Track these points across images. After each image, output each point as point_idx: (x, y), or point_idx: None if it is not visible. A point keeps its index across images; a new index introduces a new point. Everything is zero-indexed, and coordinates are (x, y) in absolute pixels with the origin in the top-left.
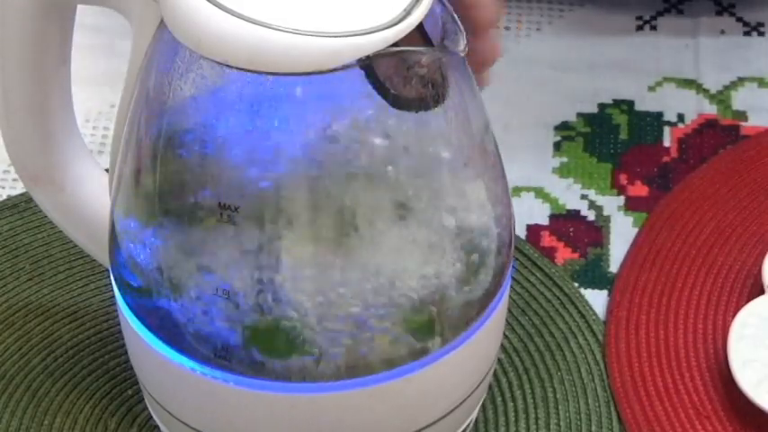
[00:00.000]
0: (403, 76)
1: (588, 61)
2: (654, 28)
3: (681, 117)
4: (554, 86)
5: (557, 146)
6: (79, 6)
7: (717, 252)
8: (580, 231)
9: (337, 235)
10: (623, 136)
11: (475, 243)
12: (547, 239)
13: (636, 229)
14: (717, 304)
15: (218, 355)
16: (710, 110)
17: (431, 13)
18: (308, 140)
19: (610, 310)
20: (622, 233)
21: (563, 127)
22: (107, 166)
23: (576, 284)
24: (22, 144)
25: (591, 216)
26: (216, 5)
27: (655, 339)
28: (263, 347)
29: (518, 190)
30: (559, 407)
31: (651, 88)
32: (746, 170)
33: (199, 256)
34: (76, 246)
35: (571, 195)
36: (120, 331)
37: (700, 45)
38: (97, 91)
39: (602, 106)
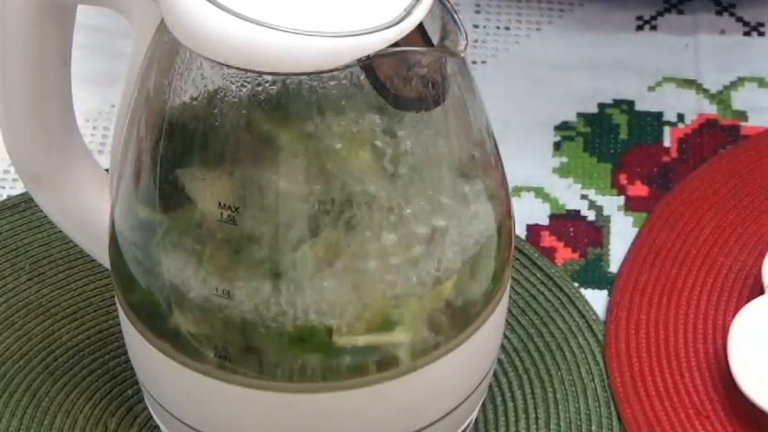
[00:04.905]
0: (403, 77)
1: (588, 61)
2: (654, 28)
3: (681, 117)
4: (554, 86)
5: (557, 146)
6: (79, 6)
7: (717, 252)
8: (580, 231)
9: (336, 234)
10: (623, 136)
11: (475, 243)
12: (547, 239)
13: (636, 229)
14: (717, 304)
15: (219, 355)
16: (710, 110)
17: (431, 12)
18: (307, 139)
19: (610, 310)
20: (622, 233)
21: (563, 127)
22: (107, 166)
23: (576, 284)
24: (22, 144)
25: (591, 216)
26: (216, 5)
27: (655, 339)
28: (263, 347)
29: (518, 190)
30: (559, 407)
31: (651, 88)
32: (746, 170)
33: (199, 255)
34: (76, 246)
35: (571, 195)
36: (120, 331)
37: (700, 45)
38: (97, 91)
39: (602, 106)
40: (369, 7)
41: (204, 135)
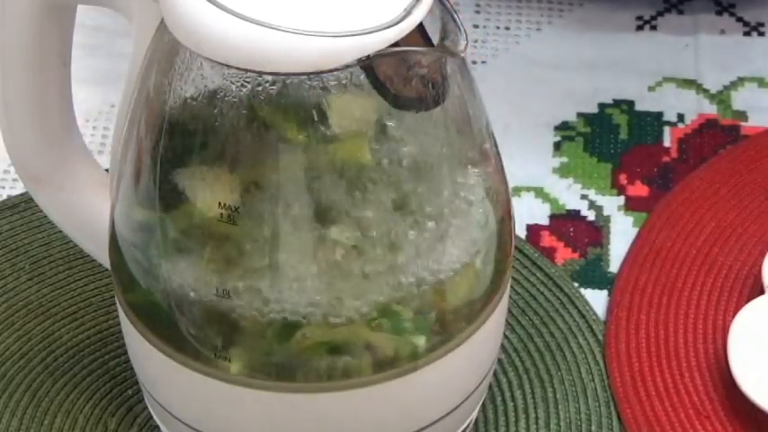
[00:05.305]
0: (403, 77)
1: (588, 61)
2: (654, 28)
3: (681, 117)
4: (554, 86)
5: (557, 146)
6: (79, 6)
7: (717, 252)
8: (580, 231)
9: (336, 234)
10: (623, 136)
11: (475, 243)
12: (547, 239)
13: (636, 229)
14: (717, 304)
15: (218, 355)
16: (710, 110)
17: (431, 12)
18: (307, 139)
19: (610, 310)
20: (622, 233)
21: (563, 127)
22: (107, 166)
23: (576, 284)
24: (22, 144)
25: (591, 216)
26: (216, 5)
27: (655, 339)
28: (263, 347)
29: (518, 190)
30: (559, 407)
31: (651, 88)
32: (746, 170)
33: (199, 255)
34: (76, 246)
35: (571, 195)
36: (120, 331)
37: (700, 45)
38: (97, 91)
39: (602, 106)
40: (369, 7)
41: (204, 135)
